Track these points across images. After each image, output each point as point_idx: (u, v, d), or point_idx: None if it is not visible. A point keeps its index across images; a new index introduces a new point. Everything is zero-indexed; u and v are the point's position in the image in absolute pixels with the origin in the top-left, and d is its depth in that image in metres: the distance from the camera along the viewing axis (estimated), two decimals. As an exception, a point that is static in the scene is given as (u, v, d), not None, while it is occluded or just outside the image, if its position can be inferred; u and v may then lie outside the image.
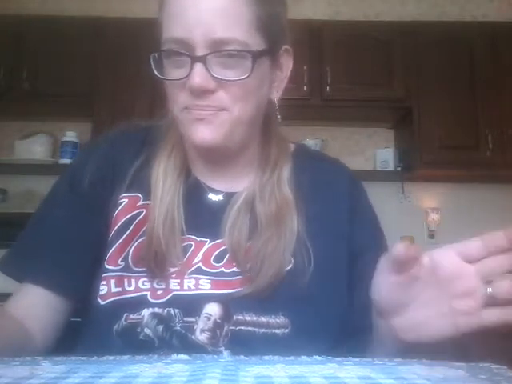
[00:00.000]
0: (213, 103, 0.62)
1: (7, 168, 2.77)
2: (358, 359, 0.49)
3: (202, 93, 0.62)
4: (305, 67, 2.66)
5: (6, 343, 0.58)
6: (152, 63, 0.65)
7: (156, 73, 0.65)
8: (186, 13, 0.61)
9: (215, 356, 0.56)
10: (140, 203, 0.70)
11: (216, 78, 0.62)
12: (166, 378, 0.38)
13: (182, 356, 0.49)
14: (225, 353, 0.62)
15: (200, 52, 0.61)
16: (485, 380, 0.40)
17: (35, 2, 2.99)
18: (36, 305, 0.66)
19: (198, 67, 0.61)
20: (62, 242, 0.68)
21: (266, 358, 0.49)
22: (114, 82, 2.70)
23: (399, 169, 2.84)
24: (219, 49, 0.61)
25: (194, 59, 0.61)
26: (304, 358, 0.49)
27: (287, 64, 0.71)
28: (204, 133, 0.63)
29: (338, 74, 2.73)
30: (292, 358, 0.49)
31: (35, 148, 2.75)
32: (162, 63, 0.65)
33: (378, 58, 2.76)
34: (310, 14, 2.96)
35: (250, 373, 0.41)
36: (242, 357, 0.50)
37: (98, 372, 0.40)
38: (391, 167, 2.86)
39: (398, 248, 0.46)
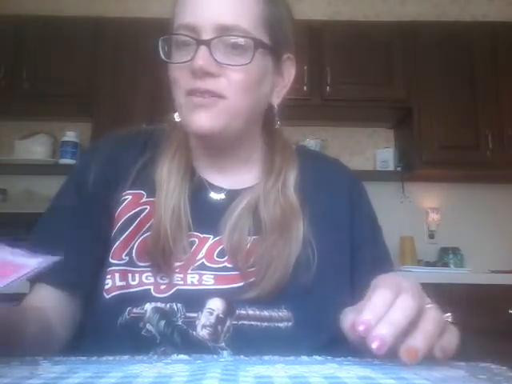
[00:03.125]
0: (213, 88, 0.64)
1: (7, 168, 2.78)
2: (357, 359, 0.49)
3: (203, 75, 0.64)
4: (305, 67, 2.66)
5: (36, 329, 0.59)
6: (160, 48, 0.68)
7: (163, 56, 0.68)
8: (196, 1, 0.65)
9: (215, 356, 0.56)
10: (144, 200, 0.71)
11: (218, 62, 0.64)
12: (165, 377, 0.38)
13: (182, 356, 0.49)
14: (225, 352, 0.63)
15: (205, 36, 0.64)
16: (485, 380, 0.40)
17: (35, 2, 2.99)
18: (47, 302, 0.67)
19: (202, 50, 0.63)
20: (70, 242, 0.69)
21: (266, 358, 0.49)
22: (113, 82, 2.70)
23: (399, 169, 2.84)
24: (224, 34, 0.64)
25: (199, 42, 0.64)
26: (304, 358, 0.49)
27: (289, 72, 0.74)
28: (202, 120, 0.65)
29: (337, 74, 2.73)
30: (292, 357, 0.49)
31: (35, 148, 2.75)
32: (170, 50, 0.68)
33: (378, 58, 2.76)
34: (310, 14, 2.96)
35: (250, 373, 0.41)
36: (242, 357, 0.50)
37: (98, 372, 0.40)
38: (391, 167, 2.86)
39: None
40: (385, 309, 0.45)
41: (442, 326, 0.46)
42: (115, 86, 2.69)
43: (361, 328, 0.44)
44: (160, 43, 0.68)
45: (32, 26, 2.75)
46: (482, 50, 2.77)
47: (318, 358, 0.50)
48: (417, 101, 2.73)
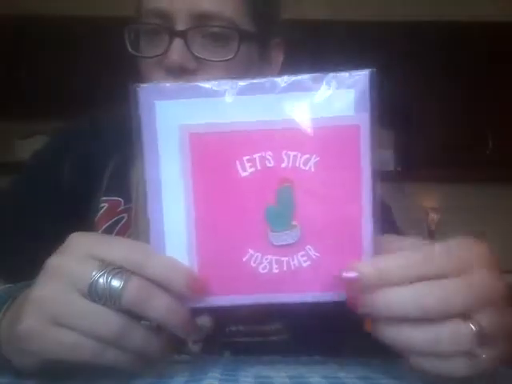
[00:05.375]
0: None
1: (7, 168, 2.77)
2: (357, 359, 0.49)
3: (179, 72, 0.55)
4: (305, 67, 2.66)
5: None
6: (126, 38, 0.59)
7: (130, 49, 0.59)
8: None
9: (215, 356, 0.56)
10: (121, 208, 0.66)
11: (197, 56, 0.56)
12: (166, 378, 0.38)
13: (182, 356, 0.49)
14: (225, 353, 0.62)
15: (181, 26, 0.55)
16: (485, 380, 0.40)
17: (35, 1, 2.98)
18: None
19: (177, 43, 0.55)
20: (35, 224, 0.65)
21: (266, 358, 0.49)
22: (113, 82, 2.70)
23: (399, 169, 2.84)
24: (203, 24, 0.55)
25: (174, 34, 0.55)
26: (304, 358, 0.49)
27: (277, 58, 0.67)
28: None
29: (337, 73, 2.73)
30: (292, 358, 0.49)
31: (35, 148, 2.75)
32: (137, 39, 0.60)
33: (377, 58, 2.76)
34: (310, 14, 2.96)
35: (250, 373, 0.41)
36: (241, 357, 0.50)
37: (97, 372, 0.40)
38: (391, 167, 2.86)
39: None
40: (401, 272, 0.33)
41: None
42: (115, 85, 2.69)
43: (345, 274, 0.34)
44: (126, 32, 0.59)
45: (32, 25, 2.75)
46: (482, 50, 2.77)
47: (317, 358, 0.50)
48: (417, 101, 2.73)
